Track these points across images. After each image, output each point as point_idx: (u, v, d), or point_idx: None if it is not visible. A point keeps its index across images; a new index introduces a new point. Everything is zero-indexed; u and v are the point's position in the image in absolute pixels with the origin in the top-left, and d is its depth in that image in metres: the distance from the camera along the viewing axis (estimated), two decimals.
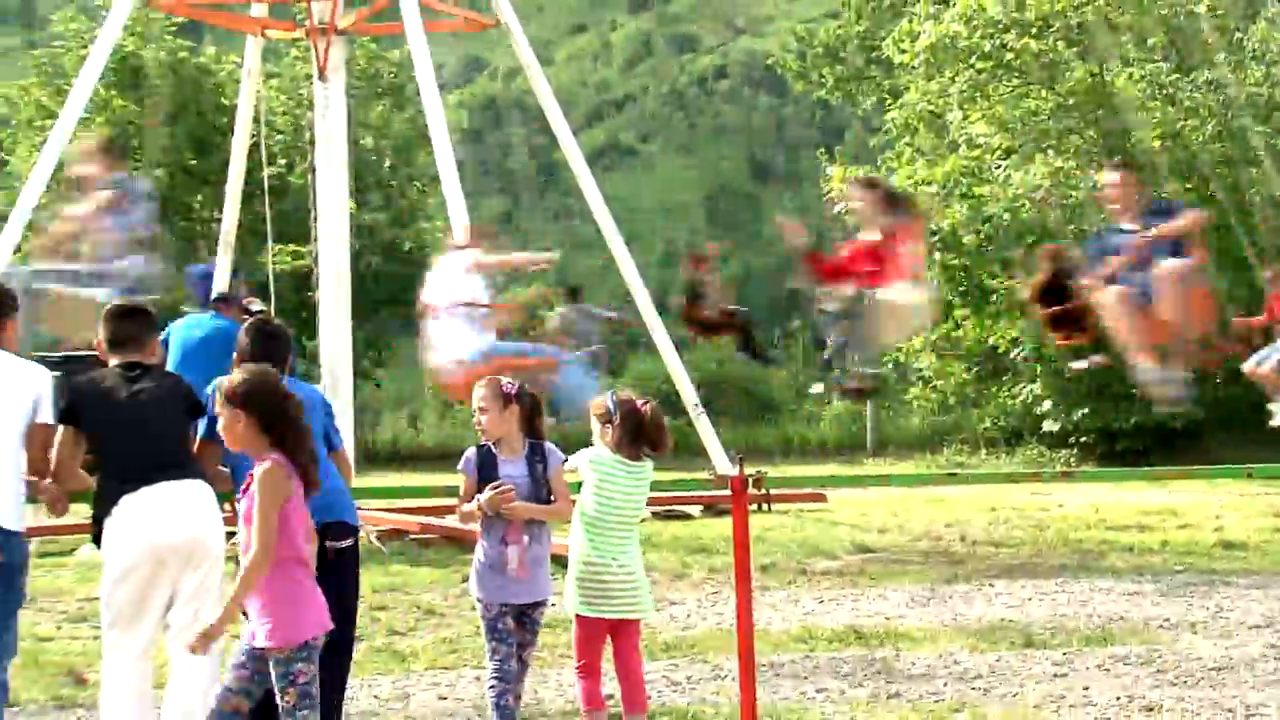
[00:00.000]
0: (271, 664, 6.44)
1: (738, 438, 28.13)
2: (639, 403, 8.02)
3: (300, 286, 26.34)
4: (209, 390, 7.52)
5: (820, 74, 41.65)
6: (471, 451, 7.83)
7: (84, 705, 9.04)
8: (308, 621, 6.55)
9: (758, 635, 8.57)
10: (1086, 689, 9.57)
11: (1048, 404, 27.95)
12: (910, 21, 29.96)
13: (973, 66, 27.75)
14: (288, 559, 6.52)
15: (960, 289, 27.80)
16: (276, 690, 6.42)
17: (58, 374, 7.97)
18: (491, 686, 7.65)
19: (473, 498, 7.68)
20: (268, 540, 6.43)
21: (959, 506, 18.51)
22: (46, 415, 7.35)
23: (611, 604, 7.87)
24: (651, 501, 11.68)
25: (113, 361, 7.55)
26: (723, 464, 18.41)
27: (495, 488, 7.61)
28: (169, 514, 7.18)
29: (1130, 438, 27.45)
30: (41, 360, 8.23)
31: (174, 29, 33.99)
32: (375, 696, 9.56)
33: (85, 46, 29.26)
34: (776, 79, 61.21)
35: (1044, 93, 27.92)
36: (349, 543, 7.51)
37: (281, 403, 6.66)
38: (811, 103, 61.88)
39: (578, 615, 7.94)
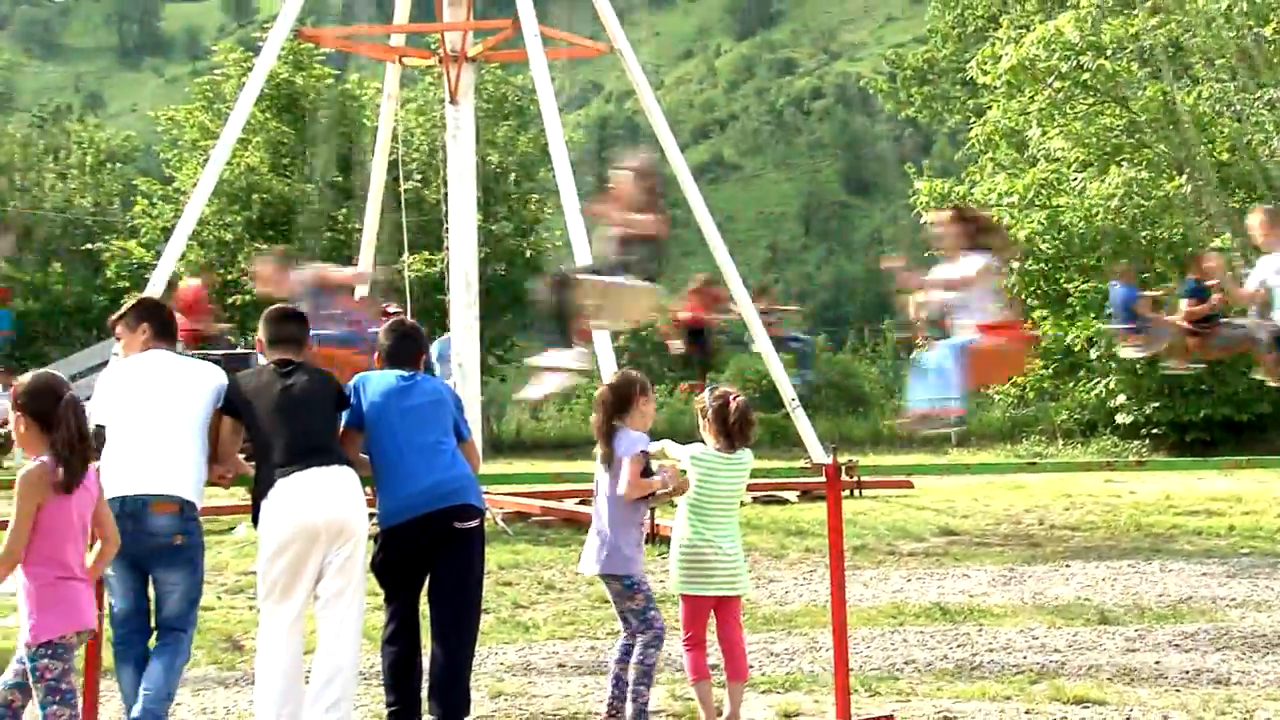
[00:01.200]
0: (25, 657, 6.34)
1: (831, 429, 28.09)
2: (730, 397, 8.02)
3: (433, 290, 26.56)
4: (352, 385, 7.66)
5: (909, 94, 41.44)
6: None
7: (241, 669, 9.17)
8: (54, 622, 6.26)
9: (850, 610, 8.54)
10: (1158, 663, 9.46)
11: (1121, 398, 27.66)
12: (993, 45, 29.77)
13: (1051, 86, 27.53)
14: (44, 558, 6.24)
15: (1038, 292, 27.58)
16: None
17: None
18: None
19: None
20: (14, 540, 6.18)
21: (1038, 493, 18.34)
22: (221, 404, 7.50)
23: (714, 583, 7.85)
24: (752, 487, 11.71)
25: (269, 359, 7.65)
26: (818, 453, 18.35)
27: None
28: (318, 496, 7.24)
29: (1199, 429, 27.17)
30: (203, 358, 8.40)
31: (322, 58, 34.35)
32: (500, 663, 9.62)
33: (243, 74, 29.65)
34: (868, 99, 61.02)
35: (1117, 110, 27.63)
36: (475, 524, 7.52)
37: (56, 407, 6.29)
38: (900, 121, 61.54)
39: (683, 594, 7.93)
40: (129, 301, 7.98)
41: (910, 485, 18.87)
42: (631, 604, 7.81)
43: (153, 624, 7.29)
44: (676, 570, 7.90)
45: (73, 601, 6.31)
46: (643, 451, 7.76)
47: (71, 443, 6.26)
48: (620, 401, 7.85)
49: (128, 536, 6.93)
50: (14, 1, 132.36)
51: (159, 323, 7.70)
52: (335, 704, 7.20)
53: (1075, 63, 26.91)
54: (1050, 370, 29.46)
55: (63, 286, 40.78)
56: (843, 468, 8.74)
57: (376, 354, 8.02)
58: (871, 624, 10.86)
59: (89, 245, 41.40)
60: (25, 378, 6.54)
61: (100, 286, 40.21)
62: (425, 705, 7.50)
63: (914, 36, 56.78)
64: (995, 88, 29.61)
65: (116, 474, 7.08)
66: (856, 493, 18.08)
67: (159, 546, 7.09)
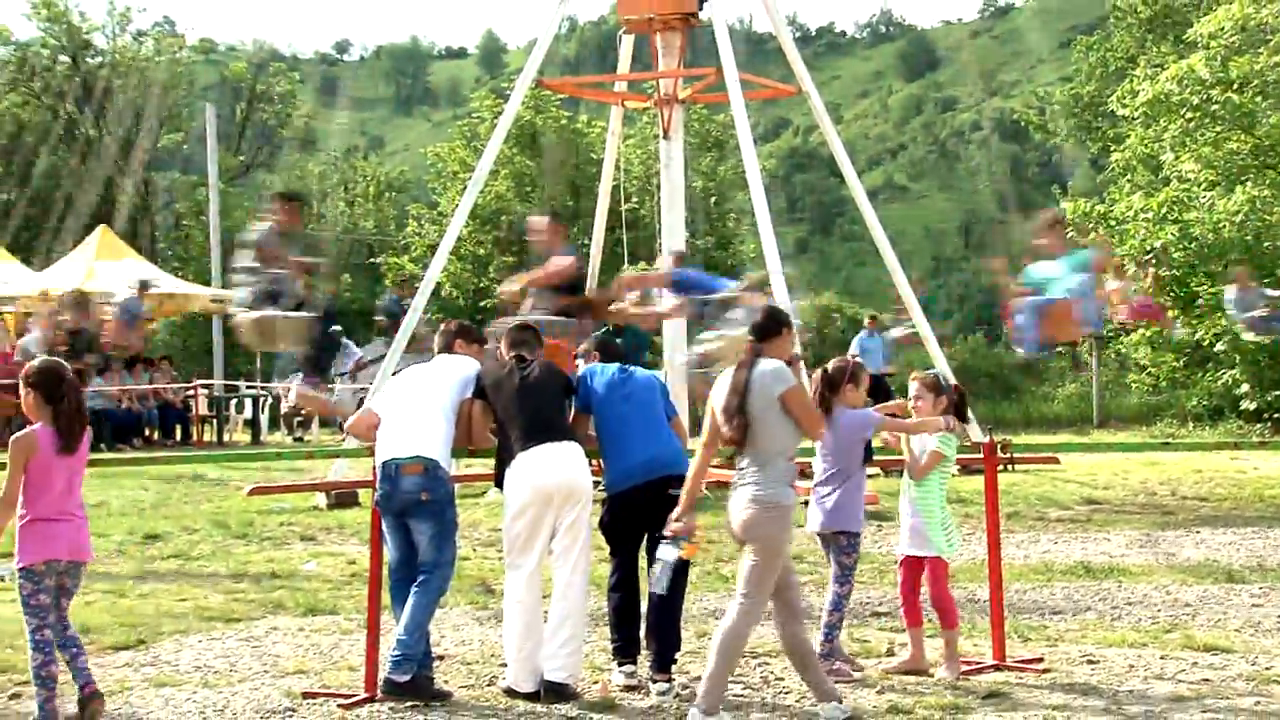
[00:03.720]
0: None
1: (988, 412, 27.57)
2: (956, 386, 8.00)
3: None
4: (579, 376, 7.83)
5: (1056, 125, 40.63)
6: None
7: (492, 609, 9.28)
8: (25, 551, 6.66)
9: (1004, 568, 8.37)
10: None
11: (1245, 386, 26.71)
12: (1131, 82, 29.07)
13: (1183, 116, 26.70)
14: (33, 501, 6.65)
15: (1172, 294, 26.77)
16: None
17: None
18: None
19: None
20: (9, 488, 6.64)
21: (1171, 469, 17.75)
22: (469, 393, 7.65)
23: (929, 545, 7.75)
24: None
25: (509, 356, 7.80)
26: (976, 434, 18.00)
27: None
28: (551, 467, 7.34)
29: None
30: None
31: (558, 102, 34.73)
32: (705, 608, 9.61)
33: (494, 117, 30.12)
34: (1020, 130, 59.67)
35: (1243, 136, 26.71)
36: None
37: (59, 385, 6.74)
38: (1048, 148, 60.14)
39: (906, 555, 7.87)
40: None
41: (1057, 461, 18.33)
42: (847, 560, 7.78)
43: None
44: (907, 536, 7.85)
45: (49, 539, 6.69)
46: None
47: (70, 414, 6.72)
48: (833, 383, 7.73)
49: (391, 494, 7.28)
50: (315, 62, 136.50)
51: (444, 338, 8.10)
52: (568, 641, 7.29)
53: (1205, 96, 26.13)
54: (1181, 362, 28.68)
55: (350, 293, 41.92)
56: (998, 445, 8.56)
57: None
58: (1023, 579, 10.63)
59: (371, 259, 42.46)
60: (35, 362, 7.01)
61: (379, 294, 41.24)
62: (644, 643, 7.53)
63: (1060, 76, 55.44)
64: (1133, 119, 28.95)
65: (382, 444, 7.43)
66: (1010, 468, 17.66)
67: (410, 502, 7.30)
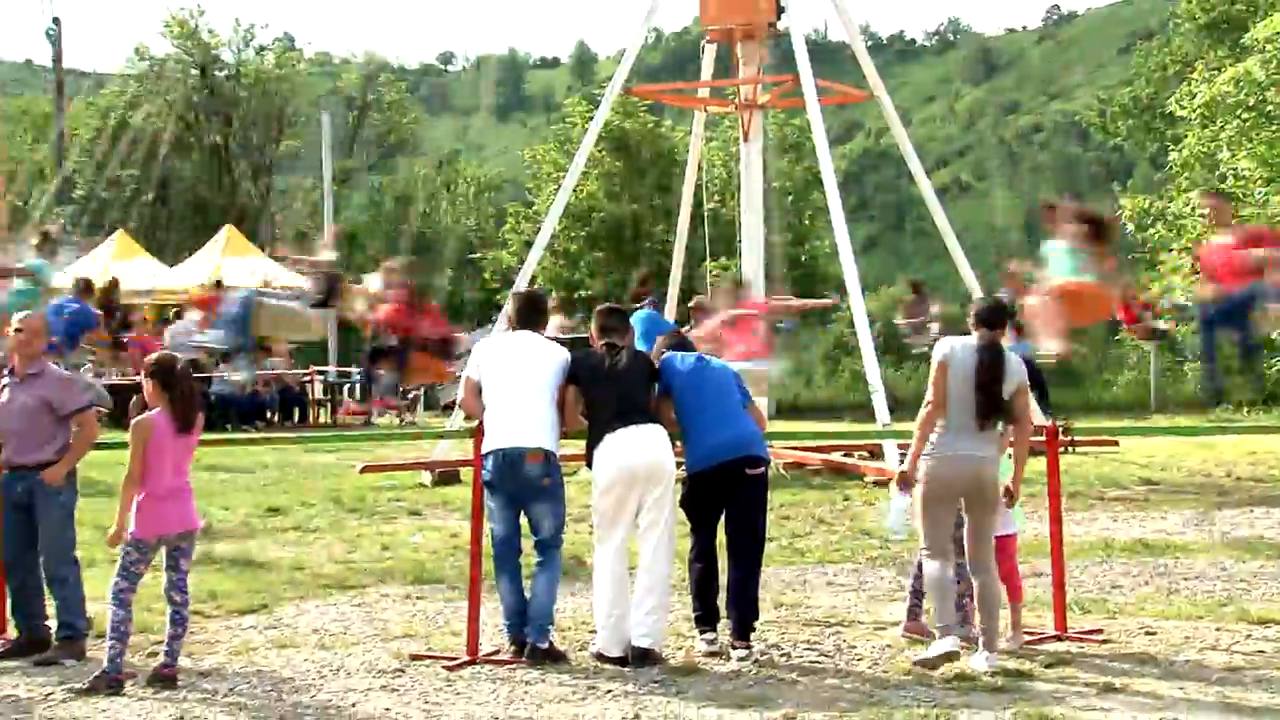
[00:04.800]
0: None
1: (1050, 398, 27.15)
2: None
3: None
4: (661, 364, 7.78)
5: (1116, 126, 39.94)
6: None
7: (583, 580, 9.32)
8: (139, 525, 6.86)
9: (1065, 544, 8.27)
10: None
11: None
12: (1189, 84, 28.55)
13: (1239, 117, 26.15)
14: (149, 480, 6.88)
15: None
16: None
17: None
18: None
19: None
20: (133, 467, 6.88)
21: (1226, 451, 17.40)
22: (563, 379, 7.64)
23: (1010, 524, 7.68)
24: None
25: (599, 343, 7.81)
26: (1039, 418, 17.74)
27: None
28: (636, 448, 7.36)
29: None
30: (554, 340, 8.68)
31: (645, 108, 34.68)
32: (781, 580, 9.57)
33: (585, 122, 30.14)
34: (1081, 131, 58.72)
35: None
36: (762, 470, 7.52)
37: (173, 374, 7.02)
38: (1108, 148, 59.08)
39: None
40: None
41: (1116, 444, 18.03)
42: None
43: (521, 546, 7.57)
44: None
45: (160, 516, 6.95)
46: None
47: (184, 400, 7.02)
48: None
49: (507, 479, 7.38)
50: (420, 75, 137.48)
51: (522, 311, 7.96)
52: (653, 609, 7.32)
53: (1261, 97, 25.59)
54: (1236, 351, 28.13)
55: (452, 286, 42.28)
56: (1059, 429, 8.46)
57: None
58: (1083, 556, 10.46)
59: (471, 255, 42.71)
60: (153, 355, 7.30)
61: (479, 286, 41.59)
62: (724, 611, 7.52)
63: (1120, 79, 54.47)
64: (1191, 119, 28.44)
65: (498, 431, 7.45)
66: (1070, 449, 17.39)
67: (532, 487, 7.39)
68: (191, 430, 7.08)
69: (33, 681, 7.04)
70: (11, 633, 7.78)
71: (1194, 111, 27.66)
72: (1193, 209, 25.58)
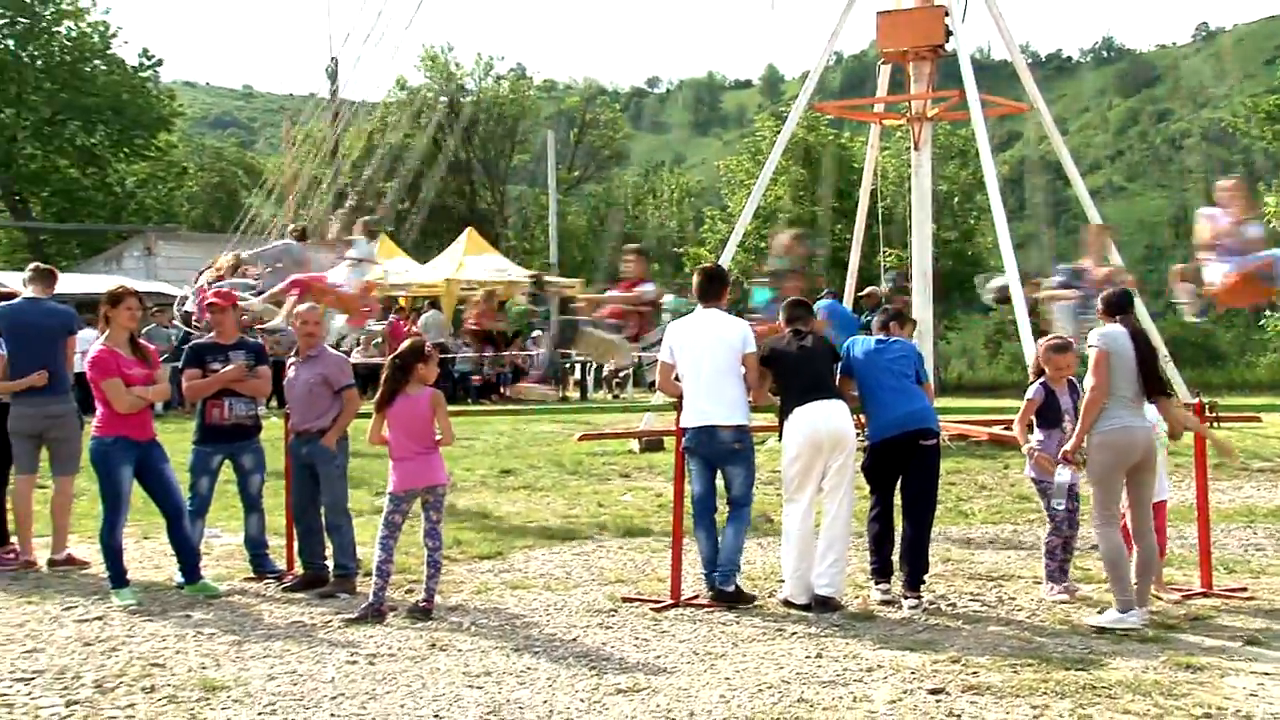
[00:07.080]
0: None
1: (1195, 378, 25.87)
2: None
3: (898, 279, 26.01)
4: (844, 346, 7.72)
5: (1261, 130, 37.77)
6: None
7: (771, 536, 9.27)
8: (392, 481, 7.15)
9: (1211, 510, 7.89)
10: None
11: None
12: None
13: None
14: (396, 445, 7.15)
15: None
16: None
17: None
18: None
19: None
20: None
21: None
22: (750, 349, 7.53)
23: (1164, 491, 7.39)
24: None
25: (788, 328, 7.70)
26: (1185, 396, 16.91)
27: None
28: (821, 420, 7.28)
29: None
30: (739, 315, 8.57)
31: (827, 121, 34.29)
32: (949, 538, 9.38)
33: (774, 135, 29.89)
34: (1228, 136, 55.63)
35: None
36: (933, 442, 7.38)
37: (421, 358, 7.19)
38: (1253, 151, 55.84)
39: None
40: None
41: (1259, 420, 17.03)
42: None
43: (716, 504, 7.52)
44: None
45: (406, 473, 7.14)
46: None
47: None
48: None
49: (704, 445, 7.42)
50: (630, 97, 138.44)
51: (703, 285, 7.79)
52: (835, 562, 7.27)
53: None
54: None
55: (658, 279, 42.46)
56: (1205, 405, 8.06)
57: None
58: (1228, 520, 9.97)
59: (675, 251, 42.90)
60: (406, 342, 7.47)
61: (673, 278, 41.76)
62: (897, 565, 7.41)
63: (1267, 88, 51.41)
64: None
65: (695, 409, 7.45)
66: (1215, 425, 16.49)
67: (726, 451, 7.39)
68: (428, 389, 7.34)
69: (314, 611, 7.36)
70: (298, 570, 8.15)
71: None
72: None
